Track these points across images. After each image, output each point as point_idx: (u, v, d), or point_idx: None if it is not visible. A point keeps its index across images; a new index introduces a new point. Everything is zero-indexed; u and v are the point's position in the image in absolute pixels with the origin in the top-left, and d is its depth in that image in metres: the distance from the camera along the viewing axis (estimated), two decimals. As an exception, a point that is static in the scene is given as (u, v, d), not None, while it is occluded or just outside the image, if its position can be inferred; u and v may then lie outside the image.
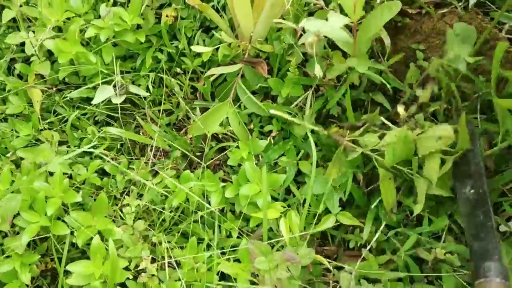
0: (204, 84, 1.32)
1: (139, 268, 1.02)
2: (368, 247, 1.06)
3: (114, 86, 1.23)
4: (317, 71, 1.01)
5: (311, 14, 1.27)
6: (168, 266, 1.04)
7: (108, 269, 0.90)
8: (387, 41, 1.12)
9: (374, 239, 1.06)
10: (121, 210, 1.10)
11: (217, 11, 1.36)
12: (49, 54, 1.31)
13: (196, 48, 1.23)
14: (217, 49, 1.27)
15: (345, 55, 1.16)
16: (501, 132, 1.00)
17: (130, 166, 1.23)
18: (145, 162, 1.26)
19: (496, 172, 1.10)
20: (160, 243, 1.08)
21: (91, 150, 1.21)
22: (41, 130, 1.21)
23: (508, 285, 0.84)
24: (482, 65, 1.13)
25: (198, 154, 1.29)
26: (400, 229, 1.06)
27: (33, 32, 1.22)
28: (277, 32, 1.28)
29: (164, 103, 1.32)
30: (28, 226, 0.98)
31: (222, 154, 1.26)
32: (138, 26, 1.31)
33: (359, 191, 1.12)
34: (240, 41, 1.30)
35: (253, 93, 1.34)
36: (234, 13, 1.29)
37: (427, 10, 1.23)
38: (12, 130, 1.22)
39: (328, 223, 1.06)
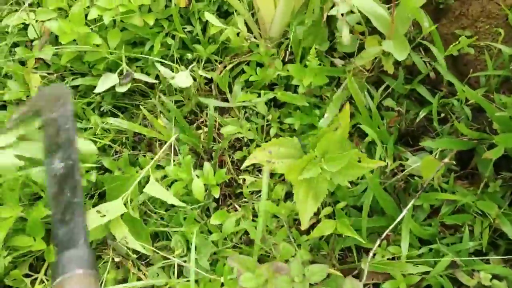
0: (220, 73, 1.20)
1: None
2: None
3: (120, 74, 1.13)
4: (345, 35, 0.86)
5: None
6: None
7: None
8: (426, 23, 0.96)
9: (405, 253, 0.90)
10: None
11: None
12: (55, 40, 1.22)
13: (209, 18, 1.11)
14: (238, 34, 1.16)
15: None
16: None
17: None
18: (151, 158, 1.15)
19: None
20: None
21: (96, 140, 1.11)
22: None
23: (93, 274, 0.66)
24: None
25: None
26: (435, 246, 0.89)
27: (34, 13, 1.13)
28: (302, 15, 1.15)
29: (175, 94, 1.20)
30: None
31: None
32: (150, 10, 1.21)
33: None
34: (261, 24, 1.18)
35: (273, 84, 1.21)
36: (253, -5, 1.17)
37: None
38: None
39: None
